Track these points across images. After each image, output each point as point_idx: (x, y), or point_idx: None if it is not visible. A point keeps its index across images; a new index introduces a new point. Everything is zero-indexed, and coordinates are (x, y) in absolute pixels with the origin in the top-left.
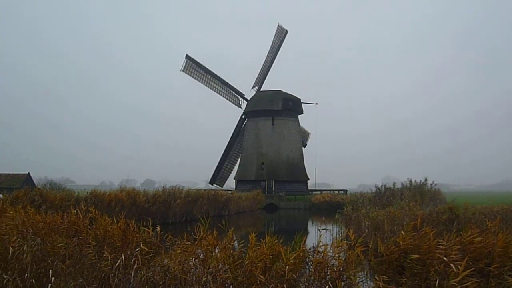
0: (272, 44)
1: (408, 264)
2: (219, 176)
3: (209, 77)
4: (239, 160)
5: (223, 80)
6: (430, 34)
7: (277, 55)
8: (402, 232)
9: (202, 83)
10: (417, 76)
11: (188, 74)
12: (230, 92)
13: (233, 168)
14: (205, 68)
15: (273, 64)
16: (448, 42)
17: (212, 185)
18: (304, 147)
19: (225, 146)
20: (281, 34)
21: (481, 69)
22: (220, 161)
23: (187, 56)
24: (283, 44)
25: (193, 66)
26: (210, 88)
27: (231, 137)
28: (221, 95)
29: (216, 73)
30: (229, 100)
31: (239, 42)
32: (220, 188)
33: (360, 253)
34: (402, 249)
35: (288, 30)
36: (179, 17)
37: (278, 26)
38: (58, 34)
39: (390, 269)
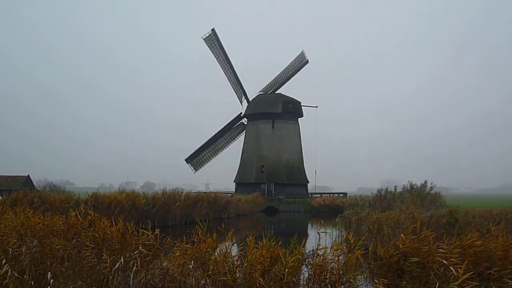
0: (290, 65)
1: (408, 268)
2: (196, 158)
3: (223, 59)
4: (239, 162)
5: (235, 70)
6: (430, 35)
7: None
8: (402, 235)
9: (216, 59)
10: (417, 79)
11: (207, 44)
12: (236, 84)
13: (212, 158)
14: (224, 49)
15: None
16: (449, 44)
17: (187, 163)
18: (308, 63)
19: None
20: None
21: (482, 72)
22: (203, 145)
23: (213, 30)
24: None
25: (214, 41)
26: (222, 69)
27: (222, 129)
28: (228, 81)
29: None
30: (234, 90)
31: (239, 44)
32: (194, 171)
33: (359, 256)
34: (402, 252)
35: (309, 60)
36: (180, 19)
37: (301, 53)
38: (60, 36)
39: (390, 272)
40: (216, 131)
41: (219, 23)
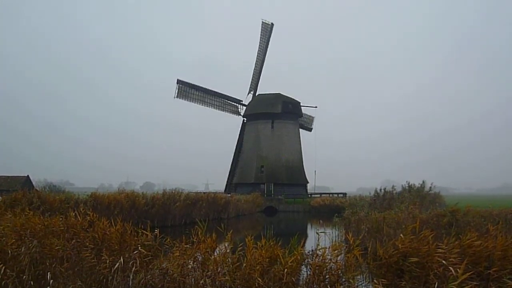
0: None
1: (407, 268)
2: (185, 87)
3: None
4: (238, 162)
5: (218, 93)
6: (430, 36)
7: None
8: (401, 235)
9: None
10: (417, 79)
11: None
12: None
13: (196, 101)
14: (198, 87)
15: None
16: (448, 44)
17: (177, 84)
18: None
19: (215, 91)
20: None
21: (482, 72)
22: (200, 86)
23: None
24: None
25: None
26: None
27: (222, 94)
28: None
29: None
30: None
31: (240, 45)
32: (175, 95)
33: (359, 256)
34: (401, 252)
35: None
36: (180, 20)
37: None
38: (60, 36)
39: (389, 273)
40: (218, 91)
41: (220, 23)
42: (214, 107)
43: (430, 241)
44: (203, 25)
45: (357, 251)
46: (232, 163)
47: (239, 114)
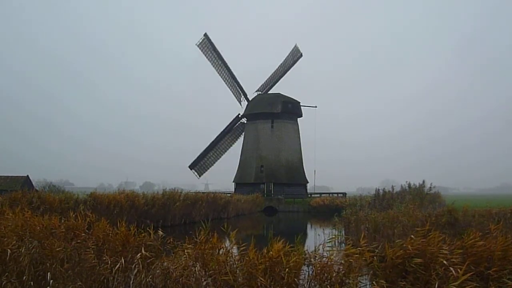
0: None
1: (411, 268)
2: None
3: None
4: (238, 162)
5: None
6: (430, 37)
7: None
8: (412, 236)
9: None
10: (417, 82)
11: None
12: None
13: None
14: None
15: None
16: (449, 47)
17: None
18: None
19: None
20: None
21: (482, 74)
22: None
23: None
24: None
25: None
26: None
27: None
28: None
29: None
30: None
31: (239, 49)
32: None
33: (361, 256)
34: (407, 253)
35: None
36: (181, 22)
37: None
38: (58, 38)
39: (393, 273)
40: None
41: (221, 27)
42: (222, 78)
43: (438, 243)
44: (203, 23)
45: (354, 251)
46: (208, 146)
47: (239, 102)
